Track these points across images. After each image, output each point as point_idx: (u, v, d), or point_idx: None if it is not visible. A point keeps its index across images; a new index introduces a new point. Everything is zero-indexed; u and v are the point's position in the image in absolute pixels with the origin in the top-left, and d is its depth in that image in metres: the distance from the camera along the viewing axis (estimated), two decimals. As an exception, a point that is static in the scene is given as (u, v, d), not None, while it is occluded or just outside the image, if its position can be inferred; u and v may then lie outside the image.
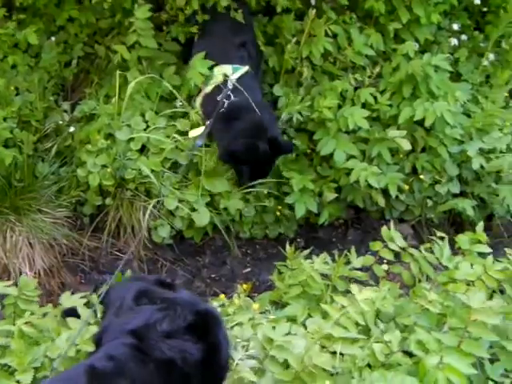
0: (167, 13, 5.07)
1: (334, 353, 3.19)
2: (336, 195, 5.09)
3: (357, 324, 3.44)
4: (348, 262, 4.03)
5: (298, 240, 5.28)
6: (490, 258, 3.77)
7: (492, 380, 3.21)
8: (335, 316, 3.35)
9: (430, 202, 5.33)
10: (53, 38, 5.28)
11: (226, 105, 4.59)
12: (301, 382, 3.07)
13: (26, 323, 3.42)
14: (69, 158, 5.10)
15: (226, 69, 4.71)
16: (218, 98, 4.62)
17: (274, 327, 3.31)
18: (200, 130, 4.65)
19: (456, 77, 5.51)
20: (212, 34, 4.96)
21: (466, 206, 5.17)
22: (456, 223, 5.47)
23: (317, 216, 5.18)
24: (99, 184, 4.78)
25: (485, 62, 5.53)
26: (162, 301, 3.11)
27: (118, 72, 4.77)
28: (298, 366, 3.07)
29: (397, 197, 5.13)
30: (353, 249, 4.09)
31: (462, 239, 3.99)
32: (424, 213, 5.39)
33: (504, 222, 5.53)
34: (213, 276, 5.02)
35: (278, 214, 5.13)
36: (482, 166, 5.15)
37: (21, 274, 4.61)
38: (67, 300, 3.69)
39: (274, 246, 5.14)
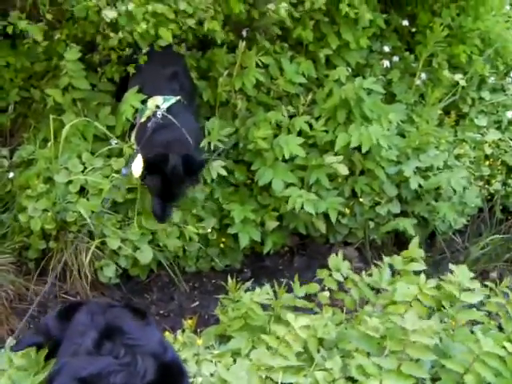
0: (100, 53, 5.08)
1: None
2: (278, 223, 5.15)
3: (300, 352, 3.48)
4: (291, 291, 4.07)
5: (245, 270, 5.32)
6: (423, 276, 3.81)
7: (434, 399, 3.25)
8: (274, 346, 3.39)
9: (372, 224, 5.39)
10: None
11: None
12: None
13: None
14: (10, 203, 5.07)
15: (158, 100, 4.75)
16: (148, 126, 4.66)
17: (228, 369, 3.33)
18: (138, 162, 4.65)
19: (390, 97, 5.63)
20: (144, 68, 4.98)
21: (407, 225, 5.26)
22: (400, 242, 5.51)
23: (262, 245, 5.23)
24: (41, 228, 4.75)
25: (417, 82, 5.67)
26: (126, 350, 2.97)
27: (51, 116, 4.75)
28: (240, 400, 3.09)
29: (339, 221, 5.21)
30: (296, 278, 4.12)
31: (396, 260, 4.04)
32: (367, 235, 5.45)
33: (446, 238, 5.62)
34: (161, 312, 5.02)
35: (222, 246, 5.17)
36: (419, 185, 5.24)
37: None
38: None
39: (222, 278, 5.09)
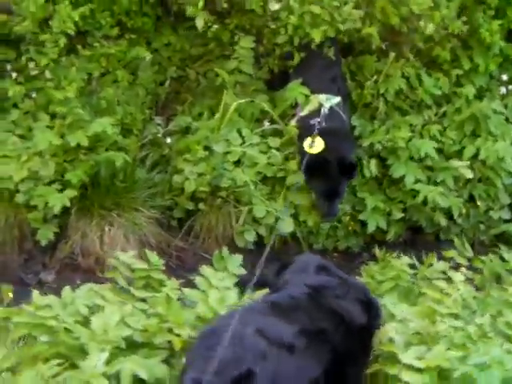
0: (264, 46, 5.79)
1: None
2: (403, 215, 5.75)
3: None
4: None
5: (364, 254, 5.85)
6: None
7: None
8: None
9: (482, 227, 6.01)
10: (147, 59, 5.90)
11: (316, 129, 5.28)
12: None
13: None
14: (163, 165, 5.67)
15: (321, 98, 5.40)
16: (311, 122, 5.31)
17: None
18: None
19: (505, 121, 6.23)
20: (306, 68, 5.67)
21: (516, 230, 5.91)
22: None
23: (383, 233, 5.82)
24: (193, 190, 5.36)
25: (530, 110, 6.24)
26: (340, 278, 3.66)
27: (225, 91, 5.48)
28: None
29: (455, 220, 5.83)
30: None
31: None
32: (477, 236, 6.05)
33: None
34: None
35: (350, 228, 5.77)
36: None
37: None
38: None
39: (340, 258, 5.74)
